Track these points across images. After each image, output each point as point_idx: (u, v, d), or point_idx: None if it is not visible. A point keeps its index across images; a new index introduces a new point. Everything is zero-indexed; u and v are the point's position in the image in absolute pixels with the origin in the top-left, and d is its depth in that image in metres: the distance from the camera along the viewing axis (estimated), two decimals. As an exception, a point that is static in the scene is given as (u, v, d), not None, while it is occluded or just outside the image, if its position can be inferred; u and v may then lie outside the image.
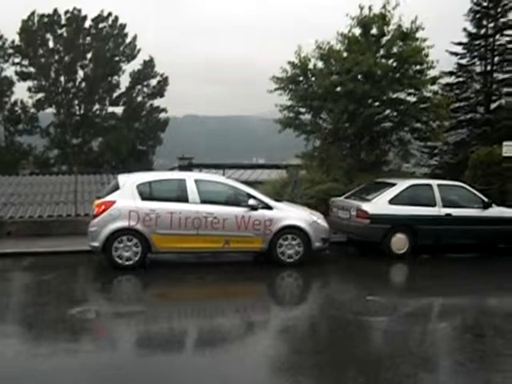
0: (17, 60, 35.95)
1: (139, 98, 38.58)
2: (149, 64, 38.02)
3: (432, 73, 13.95)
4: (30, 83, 36.27)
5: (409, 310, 7.42)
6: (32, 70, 36.22)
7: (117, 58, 37.37)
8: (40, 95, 36.68)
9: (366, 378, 4.92)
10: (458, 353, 5.80)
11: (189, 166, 19.86)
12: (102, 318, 7.04)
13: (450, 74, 19.14)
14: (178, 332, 6.39)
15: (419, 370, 5.17)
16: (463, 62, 19.59)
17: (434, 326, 7.01)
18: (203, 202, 9.23)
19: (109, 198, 9.10)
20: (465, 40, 19.47)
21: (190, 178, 9.55)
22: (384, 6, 13.53)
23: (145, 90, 38.41)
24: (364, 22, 13.62)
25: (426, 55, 13.45)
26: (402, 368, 5.20)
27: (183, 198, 9.22)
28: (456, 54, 19.49)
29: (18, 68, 36.03)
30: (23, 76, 36.10)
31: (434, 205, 10.65)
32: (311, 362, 5.39)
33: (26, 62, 36.02)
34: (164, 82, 38.42)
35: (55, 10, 36.07)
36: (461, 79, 19.51)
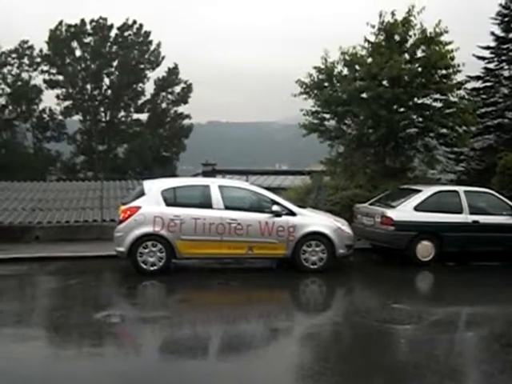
0: (45, 68, 36.89)
1: (163, 105, 39.10)
2: (173, 71, 38.49)
3: (458, 77, 13.76)
4: (57, 91, 37.21)
5: (435, 318, 7.29)
6: (60, 78, 37.06)
7: (142, 66, 37.98)
8: (67, 103, 37.52)
9: (392, 388, 4.85)
10: (487, 363, 5.68)
11: (212, 172, 19.95)
12: (127, 322, 7.11)
13: (477, 78, 18.81)
14: (202, 338, 6.41)
15: (446, 380, 5.07)
16: (491, 66, 19.26)
17: (461, 335, 6.88)
18: (227, 208, 9.26)
19: (134, 204, 9.20)
20: (492, 44, 19.14)
21: (213, 184, 9.59)
22: (409, 11, 13.41)
23: (169, 96, 38.92)
24: (387, 28, 13.52)
25: (452, 59, 13.27)
26: (428, 378, 5.11)
27: (207, 204, 9.26)
28: (483, 58, 19.16)
29: (47, 76, 36.99)
30: (51, 84, 36.94)
31: (460, 212, 10.47)
32: (336, 370, 5.34)
33: (54, 71, 36.89)
34: (188, 88, 38.85)
35: (82, 20, 36.88)
36: (488, 84, 19.15)
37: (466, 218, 10.43)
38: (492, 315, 7.56)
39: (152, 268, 8.97)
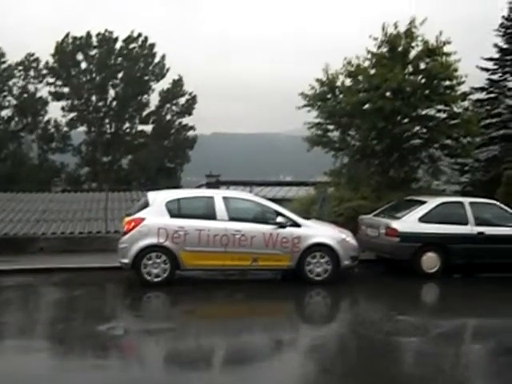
0: (51, 80, 37.18)
1: (168, 117, 39.27)
2: (178, 83, 38.71)
3: (462, 88, 13.77)
4: (63, 103, 37.43)
5: (441, 330, 7.23)
6: (65, 90, 37.33)
7: (146, 78, 38.21)
8: (72, 114, 37.75)
9: (398, 401, 4.80)
10: (494, 376, 5.62)
11: (216, 183, 19.96)
12: (130, 334, 7.07)
13: (481, 89, 18.84)
14: (206, 350, 6.36)
15: (453, 394, 5.02)
16: (494, 77, 19.29)
17: (468, 347, 6.82)
18: (231, 219, 9.25)
19: (138, 215, 9.21)
20: (496, 55, 19.19)
21: (218, 195, 9.60)
22: (411, 23, 13.48)
23: (174, 108, 39.10)
24: (390, 40, 13.58)
25: (456, 70, 13.29)
26: (435, 391, 5.06)
27: (211, 216, 9.26)
28: (487, 69, 19.20)
29: (52, 88, 37.25)
30: (57, 96, 37.22)
31: (465, 223, 10.42)
32: (340, 383, 5.29)
33: (59, 83, 37.17)
34: (192, 100, 39.06)
35: (88, 33, 37.20)
36: (492, 95, 19.18)
37: (471, 229, 10.38)
38: (499, 328, 7.49)
39: (156, 279, 8.95)
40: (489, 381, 5.53)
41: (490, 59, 19.21)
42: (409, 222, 10.30)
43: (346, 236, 9.78)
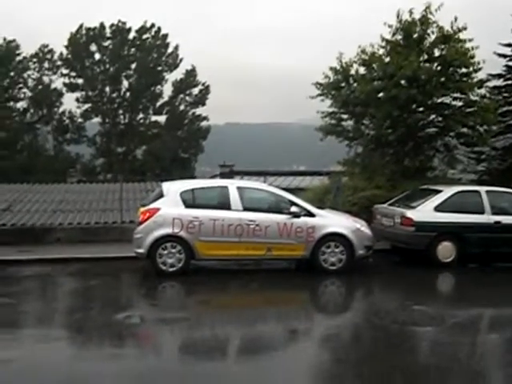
0: (65, 72, 37.36)
1: (181, 107, 39.27)
2: (191, 73, 38.67)
3: (479, 75, 13.54)
4: (77, 94, 37.60)
5: (457, 320, 7.19)
6: (79, 81, 37.51)
7: (160, 68, 38.23)
8: (87, 105, 37.91)
9: (413, 390, 4.79)
10: (510, 367, 5.58)
11: (230, 173, 19.96)
12: (146, 323, 7.16)
13: (499, 76, 18.51)
14: (221, 339, 6.42)
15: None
16: (512, 64, 18.93)
17: (484, 337, 6.78)
18: (245, 209, 9.27)
19: (153, 206, 9.27)
20: (514, 41, 18.79)
21: (232, 185, 9.62)
22: (426, 9, 13.26)
23: (187, 98, 39.08)
24: (405, 27, 13.39)
25: (472, 57, 13.07)
26: (450, 381, 5.05)
27: (226, 206, 9.29)
28: (504, 55, 18.85)
29: (67, 79, 37.44)
30: (71, 87, 37.41)
31: (482, 212, 10.31)
32: (355, 372, 5.31)
33: (73, 74, 37.35)
34: (205, 90, 39.02)
35: (101, 24, 37.29)
36: (510, 82, 18.84)
37: (487, 218, 10.27)
38: (515, 317, 7.44)
39: (171, 269, 9.02)
40: (505, 370, 5.50)
41: (508, 45, 18.84)
42: (424, 212, 10.22)
43: (361, 226, 9.75)
